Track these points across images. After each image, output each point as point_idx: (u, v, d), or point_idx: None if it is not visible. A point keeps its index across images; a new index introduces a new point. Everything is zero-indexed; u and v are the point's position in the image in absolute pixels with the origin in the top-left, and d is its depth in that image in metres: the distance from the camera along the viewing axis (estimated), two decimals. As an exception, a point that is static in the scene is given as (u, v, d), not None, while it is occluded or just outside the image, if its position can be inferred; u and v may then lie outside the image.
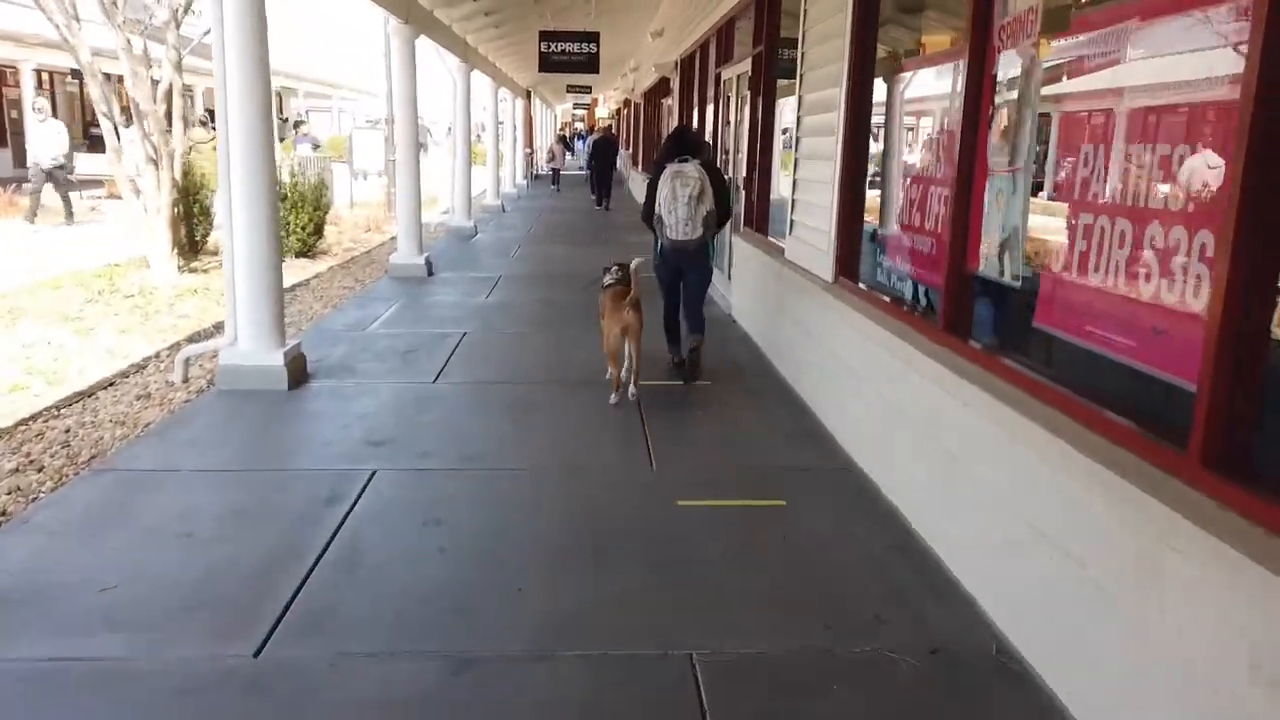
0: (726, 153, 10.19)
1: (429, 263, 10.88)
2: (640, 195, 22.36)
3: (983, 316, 3.75)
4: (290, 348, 5.95)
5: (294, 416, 5.38)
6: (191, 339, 7.56)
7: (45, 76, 26.86)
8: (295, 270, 10.82)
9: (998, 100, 3.55)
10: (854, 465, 4.66)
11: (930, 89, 4.35)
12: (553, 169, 29.29)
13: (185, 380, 6.15)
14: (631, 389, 5.70)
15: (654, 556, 3.63)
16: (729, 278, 9.34)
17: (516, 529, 3.87)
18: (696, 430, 5.28)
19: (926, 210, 4.19)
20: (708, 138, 11.20)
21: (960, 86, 3.85)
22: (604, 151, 21.63)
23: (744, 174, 8.62)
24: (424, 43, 13.29)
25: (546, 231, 16.35)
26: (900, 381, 4.10)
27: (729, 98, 9.90)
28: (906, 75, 4.78)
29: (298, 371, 5.99)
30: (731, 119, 9.71)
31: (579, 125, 54.78)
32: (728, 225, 7.49)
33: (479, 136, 31.45)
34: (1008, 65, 3.48)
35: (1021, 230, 3.36)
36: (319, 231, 11.79)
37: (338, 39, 45.08)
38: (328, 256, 12.10)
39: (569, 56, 15.28)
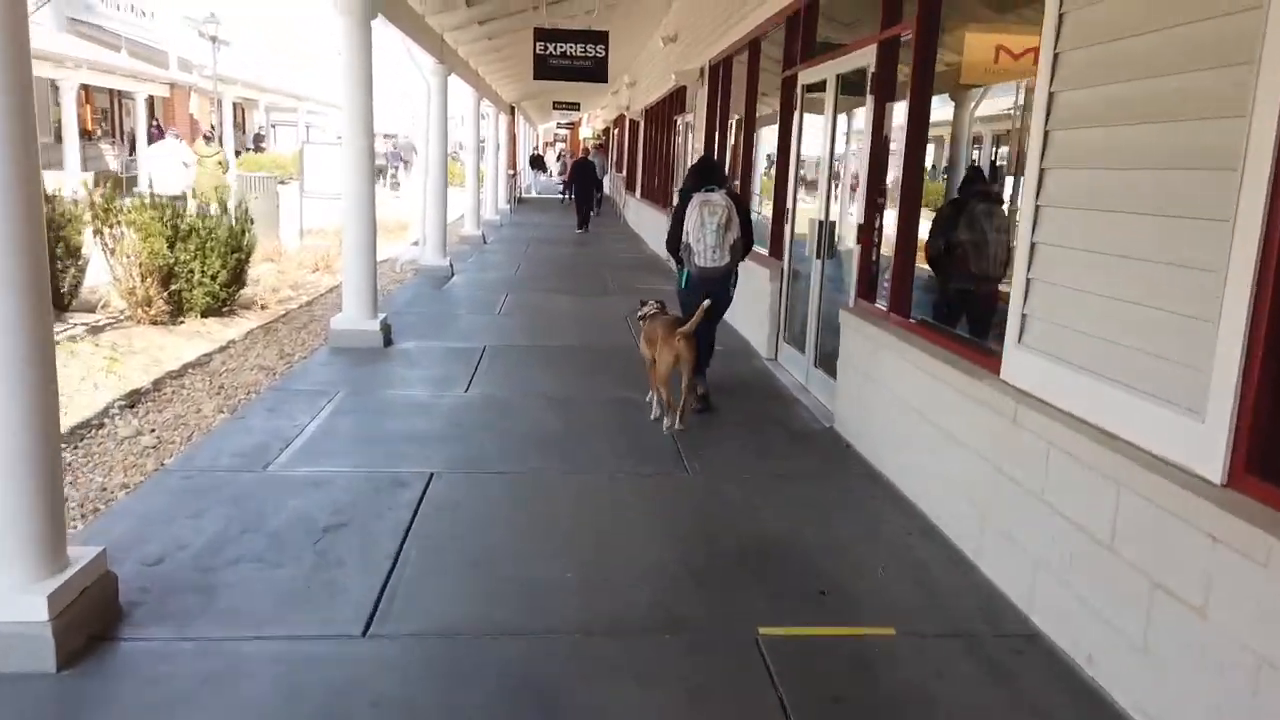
0: (772, 184, 7.32)
1: (386, 328, 7.89)
2: (639, 224, 19.49)
3: None
4: (80, 569, 2.95)
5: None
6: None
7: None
8: (198, 338, 7.80)
9: None
10: None
11: None
12: (564, 181, 26.81)
13: None
14: (678, 423, 5.65)
15: None
16: (825, 370, 6.44)
17: None
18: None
19: None
20: (770, 162, 8.39)
21: None
22: (584, 174, 20.75)
23: (858, 219, 5.74)
24: (395, 40, 10.41)
25: (539, 272, 13.40)
26: None
27: (813, 106, 7.04)
28: None
29: (87, 618, 2.98)
30: (819, 139, 6.84)
31: (560, 145, 52.07)
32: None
33: (455, 154, 28.55)
34: None
35: None
36: (238, 279, 8.76)
37: (305, 49, 42.10)
38: (250, 313, 9.05)
39: (571, 61, 12.42)
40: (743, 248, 5.97)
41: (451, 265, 12.65)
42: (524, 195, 30.79)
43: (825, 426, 5.92)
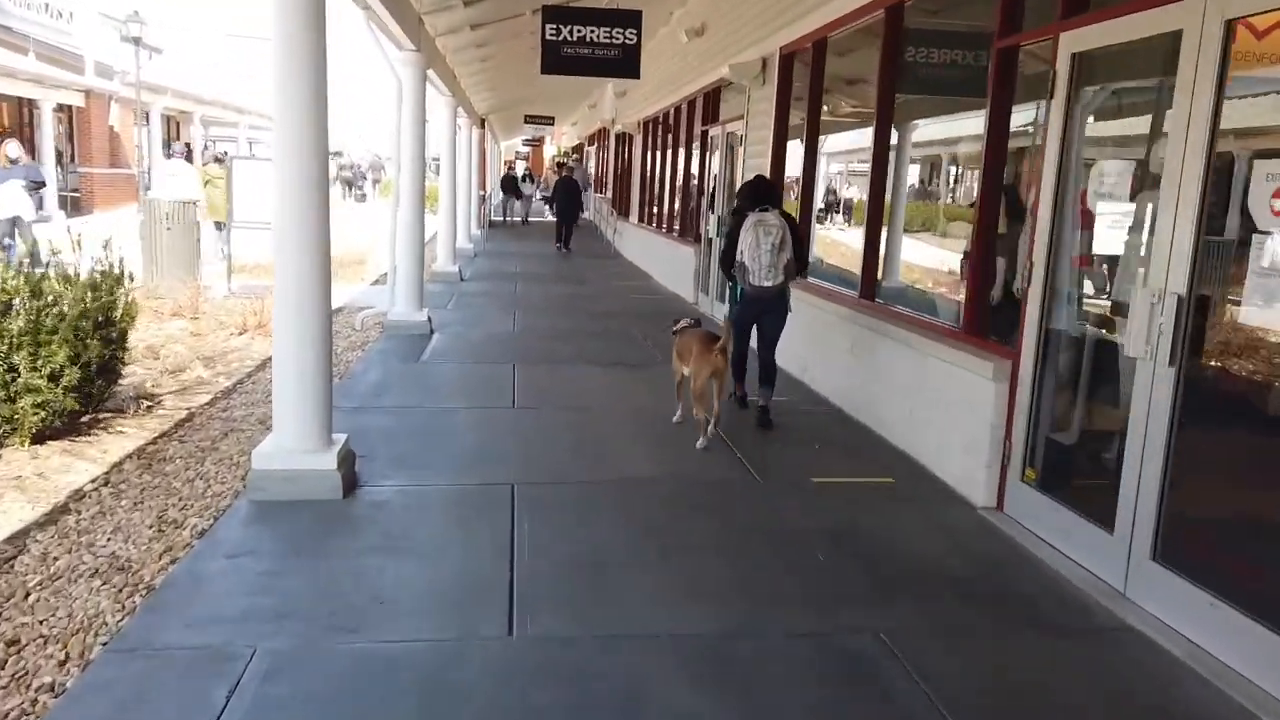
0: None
1: (346, 461, 4.69)
2: (643, 258, 16.44)
3: None
4: None
5: None
6: None
7: None
8: (12, 492, 4.47)
9: None
10: None
11: None
12: (545, 198, 24.18)
13: None
14: (710, 430, 5.58)
15: None
16: (1191, 578, 3.38)
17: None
18: None
19: None
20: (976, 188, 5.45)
21: None
22: (567, 192, 19.98)
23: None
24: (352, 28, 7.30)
25: (546, 327, 10.19)
26: None
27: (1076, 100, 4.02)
28: None
29: None
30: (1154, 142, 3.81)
31: (522, 164, 49.01)
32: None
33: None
34: None
35: None
36: (108, 371, 5.46)
37: (248, 57, 38.40)
38: (127, 423, 5.69)
39: (592, 50, 9.31)
40: (795, 268, 6.04)
41: (429, 319, 9.43)
42: (494, 219, 27.50)
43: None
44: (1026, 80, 4.97)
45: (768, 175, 8.41)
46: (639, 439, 5.87)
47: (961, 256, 5.62)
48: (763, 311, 6.13)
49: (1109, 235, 4.23)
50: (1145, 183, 3.93)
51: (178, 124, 35.72)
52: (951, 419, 5.06)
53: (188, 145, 27.70)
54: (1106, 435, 4.21)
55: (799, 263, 6.09)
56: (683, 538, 4.24)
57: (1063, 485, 4.37)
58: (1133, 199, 3.97)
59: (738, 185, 9.82)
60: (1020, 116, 5.06)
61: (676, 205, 14.76)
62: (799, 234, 6.18)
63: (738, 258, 5.99)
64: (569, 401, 6.79)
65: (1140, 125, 4.25)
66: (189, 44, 34.34)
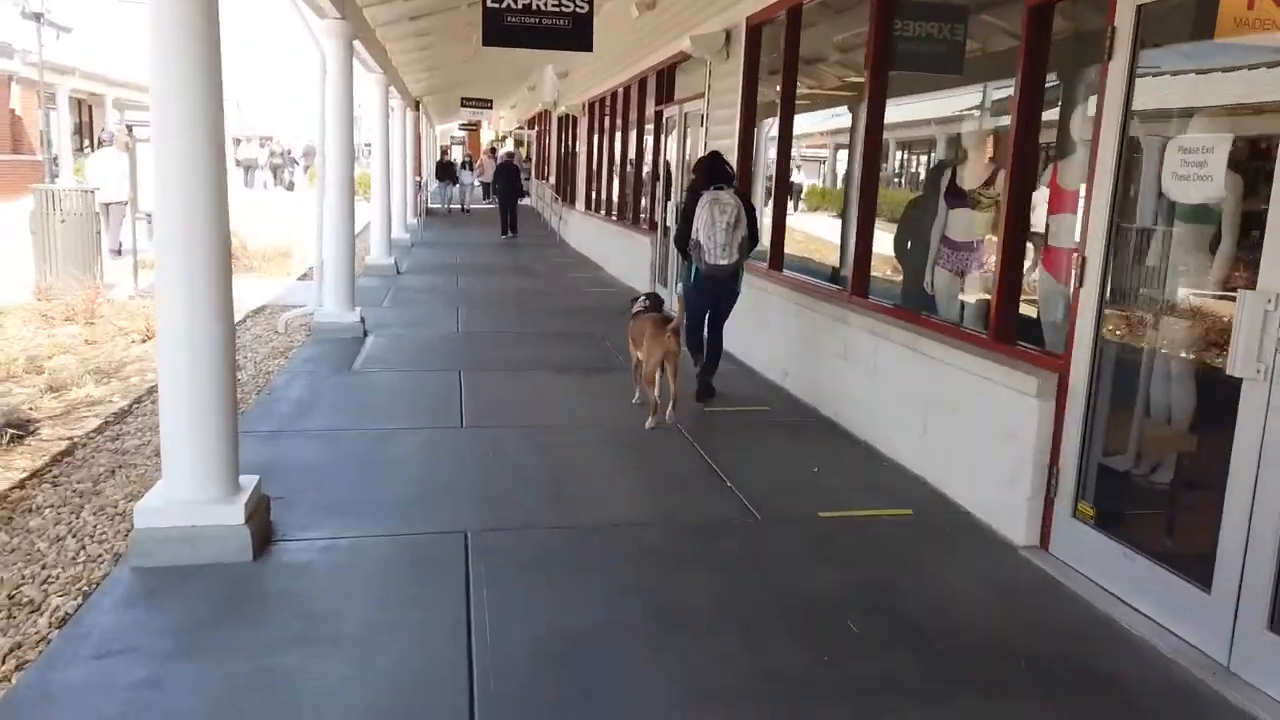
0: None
1: (258, 510, 3.78)
2: (594, 247, 15.61)
3: None
4: None
5: None
6: None
7: None
8: None
9: None
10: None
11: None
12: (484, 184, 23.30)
13: None
14: (670, 413, 5.59)
15: None
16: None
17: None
18: None
19: None
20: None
21: None
22: (508, 177, 19.73)
23: None
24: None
25: (492, 324, 9.30)
26: None
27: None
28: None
29: None
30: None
31: (459, 149, 47.58)
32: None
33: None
34: None
35: None
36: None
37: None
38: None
39: (539, 20, 8.38)
40: (749, 245, 6.09)
41: (363, 319, 8.46)
42: (432, 207, 26.28)
43: None
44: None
45: (734, 157, 7.68)
46: (610, 463, 5.06)
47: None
48: (717, 291, 6.16)
49: (1193, 228, 3.53)
50: (1244, 161, 3.22)
51: (90, 107, 33.66)
52: (979, 440, 4.34)
53: (105, 129, 25.94)
54: (1188, 466, 3.53)
55: (751, 240, 6.12)
56: (679, 606, 3.44)
57: (1130, 525, 3.68)
58: (1226, 181, 3.26)
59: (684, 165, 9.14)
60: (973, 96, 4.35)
61: (629, 192, 13.91)
62: (752, 211, 6.21)
63: (693, 236, 5.98)
64: (525, 417, 5.93)
65: (1226, 91, 3.55)
66: (99, 22, 32.29)
